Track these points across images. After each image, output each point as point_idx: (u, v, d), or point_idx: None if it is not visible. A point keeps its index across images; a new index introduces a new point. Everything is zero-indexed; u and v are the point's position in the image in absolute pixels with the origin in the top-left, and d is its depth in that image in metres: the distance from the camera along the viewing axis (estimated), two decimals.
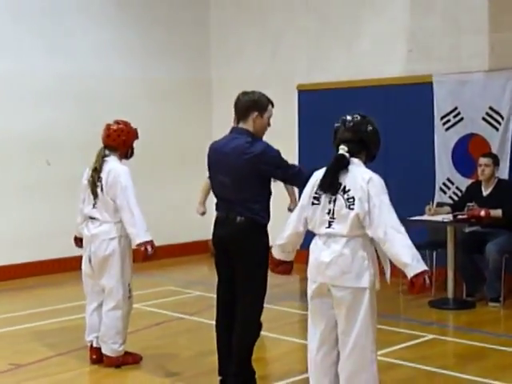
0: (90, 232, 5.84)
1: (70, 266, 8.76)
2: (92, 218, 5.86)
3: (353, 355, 4.28)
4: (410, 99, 9.19)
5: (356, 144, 4.39)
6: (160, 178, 10.65)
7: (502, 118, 8.49)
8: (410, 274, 4.14)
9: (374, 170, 4.40)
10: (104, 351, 5.88)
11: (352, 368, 4.29)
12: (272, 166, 5.00)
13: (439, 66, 8.97)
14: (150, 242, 5.71)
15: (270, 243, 5.01)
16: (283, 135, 9.29)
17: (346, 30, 9.90)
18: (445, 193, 8.97)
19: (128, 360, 5.93)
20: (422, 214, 8.07)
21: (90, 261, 5.86)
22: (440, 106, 8.98)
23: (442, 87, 8.94)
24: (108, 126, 5.95)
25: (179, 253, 10.91)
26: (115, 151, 5.89)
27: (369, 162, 4.45)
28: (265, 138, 5.19)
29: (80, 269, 6.03)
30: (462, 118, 8.83)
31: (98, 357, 5.94)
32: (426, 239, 8.40)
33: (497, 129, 8.54)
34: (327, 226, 4.33)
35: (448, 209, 8.13)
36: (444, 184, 8.99)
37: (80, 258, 6.04)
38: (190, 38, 11.27)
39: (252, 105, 5.09)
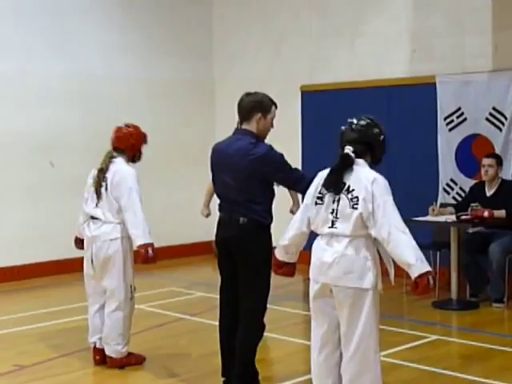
0: (91, 233, 5.84)
1: (74, 267, 8.74)
2: (94, 218, 5.86)
3: (356, 356, 4.27)
4: (414, 100, 9.19)
5: (362, 145, 4.39)
6: (163, 178, 10.64)
7: (506, 119, 8.48)
8: (414, 274, 4.14)
9: (378, 171, 4.40)
10: (107, 352, 5.89)
11: (355, 369, 4.28)
12: (274, 168, 5.00)
13: (442, 67, 8.96)
14: (151, 245, 5.70)
15: (273, 244, 5.02)
16: (286, 136, 9.30)
17: (349, 31, 9.90)
18: (448, 193, 8.97)
19: (131, 361, 5.94)
20: (426, 214, 8.06)
21: (92, 262, 5.86)
22: (443, 107, 8.97)
23: (445, 88, 8.93)
24: (118, 129, 5.98)
25: (182, 254, 10.92)
26: (123, 154, 5.91)
27: (374, 166, 4.45)
28: (268, 139, 5.19)
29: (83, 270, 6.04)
30: (465, 119, 8.82)
31: (101, 358, 5.94)
32: (429, 240, 8.39)
33: (500, 129, 8.54)
34: (330, 225, 4.32)
35: (451, 209, 8.12)
36: (447, 184, 8.99)
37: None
38: (193, 39, 11.27)
39: (256, 106, 5.09)
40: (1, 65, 9.25)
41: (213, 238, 5.31)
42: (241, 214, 5.01)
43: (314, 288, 4.42)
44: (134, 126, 6.00)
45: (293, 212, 6.75)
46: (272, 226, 5.14)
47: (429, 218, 8.02)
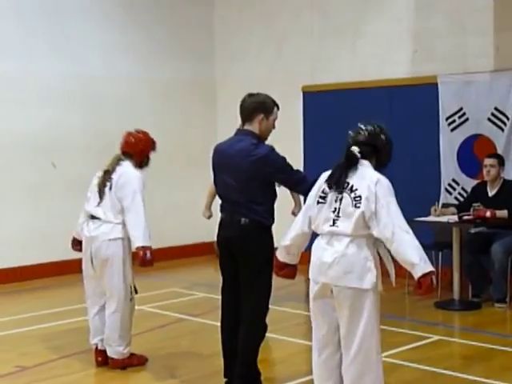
0: (90, 233, 5.83)
1: (75, 268, 8.71)
2: (93, 218, 5.85)
3: (358, 358, 4.26)
4: (415, 100, 9.19)
5: (368, 147, 4.42)
6: (164, 179, 10.63)
7: (508, 119, 8.48)
8: (418, 274, 4.14)
9: (380, 171, 4.41)
10: (109, 354, 5.88)
11: (357, 370, 4.27)
12: (276, 169, 5.00)
13: (444, 67, 8.96)
14: (150, 248, 5.70)
15: (275, 245, 5.01)
16: (288, 136, 9.30)
17: (351, 31, 9.90)
18: (450, 194, 8.96)
19: (133, 362, 5.94)
20: (428, 214, 8.06)
21: (91, 262, 5.84)
22: (445, 107, 8.97)
23: (447, 88, 8.93)
24: (128, 134, 6.03)
25: (184, 254, 10.92)
26: (131, 158, 5.94)
27: (378, 170, 4.44)
28: (270, 140, 5.20)
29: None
30: (467, 119, 8.82)
31: (103, 359, 5.94)
32: (431, 240, 8.38)
33: (502, 129, 8.53)
34: (331, 223, 4.32)
35: (453, 210, 8.11)
36: (449, 185, 8.98)
37: None
38: (194, 39, 11.27)
39: (258, 107, 5.09)
40: (1, 65, 9.25)
41: (214, 238, 5.31)
42: (242, 214, 5.02)
43: (313, 288, 4.41)
44: (143, 132, 6.06)
45: (294, 214, 6.76)
46: (274, 227, 5.15)
47: (431, 218, 8.02)
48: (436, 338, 6.71)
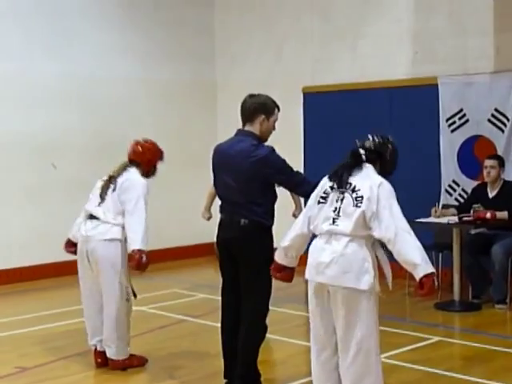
0: (86, 232, 5.81)
1: (75, 269, 8.72)
2: (92, 217, 5.84)
3: (357, 359, 4.25)
4: (416, 101, 9.18)
5: (373, 153, 4.45)
6: (165, 180, 10.49)
7: (508, 120, 8.48)
8: (420, 274, 4.14)
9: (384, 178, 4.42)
10: (108, 355, 5.88)
11: (357, 372, 4.26)
12: (276, 170, 5.00)
13: (444, 68, 8.95)
14: (145, 252, 5.68)
15: (275, 245, 5.01)
16: (288, 137, 9.30)
17: (351, 32, 9.89)
18: (450, 195, 8.96)
19: (133, 363, 5.93)
20: (428, 215, 8.05)
21: (88, 261, 5.82)
22: (445, 108, 8.97)
23: (447, 89, 8.93)
24: (136, 143, 6.05)
25: (184, 255, 10.91)
26: (138, 167, 5.96)
27: (382, 177, 4.44)
28: (270, 141, 5.19)
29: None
30: (467, 120, 8.81)
31: (102, 360, 5.93)
32: (431, 241, 8.37)
33: (502, 130, 8.53)
34: (331, 222, 4.32)
35: (454, 211, 8.11)
36: (450, 186, 8.98)
37: None
38: (195, 40, 11.26)
39: (259, 108, 5.10)
40: (0, 66, 9.25)
41: (215, 239, 5.31)
42: (242, 215, 5.01)
43: (311, 289, 4.41)
44: (151, 141, 6.11)
45: (295, 216, 6.75)
46: (274, 228, 5.14)
47: (431, 219, 8.01)
48: (436, 339, 6.70)
